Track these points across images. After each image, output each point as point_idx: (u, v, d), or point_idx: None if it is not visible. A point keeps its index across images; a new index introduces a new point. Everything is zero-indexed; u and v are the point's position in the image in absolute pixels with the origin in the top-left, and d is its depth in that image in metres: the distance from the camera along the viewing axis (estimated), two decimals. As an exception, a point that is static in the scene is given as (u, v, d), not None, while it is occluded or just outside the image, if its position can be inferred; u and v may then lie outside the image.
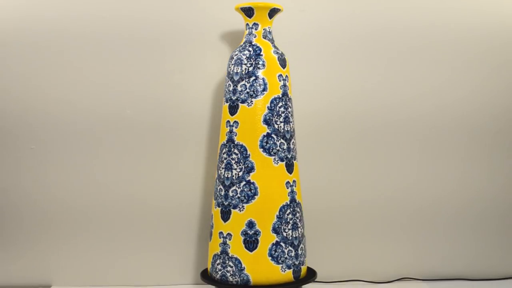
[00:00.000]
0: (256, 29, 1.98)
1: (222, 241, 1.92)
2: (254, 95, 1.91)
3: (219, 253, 1.93)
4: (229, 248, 1.90)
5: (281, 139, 1.91)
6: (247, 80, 1.92)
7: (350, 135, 2.24)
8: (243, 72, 1.93)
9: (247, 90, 1.92)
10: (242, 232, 1.88)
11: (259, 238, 1.87)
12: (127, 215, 2.15)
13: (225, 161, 1.94)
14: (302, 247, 1.95)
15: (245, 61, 1.94)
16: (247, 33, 2.00)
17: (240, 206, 1.89)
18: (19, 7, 2.09)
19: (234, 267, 1.89)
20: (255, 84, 1.91)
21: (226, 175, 1.93)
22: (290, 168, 1.93)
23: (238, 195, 1.89)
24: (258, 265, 1.87)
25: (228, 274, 1.90)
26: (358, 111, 2.24)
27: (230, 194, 1.91)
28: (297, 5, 2.19)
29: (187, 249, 2.18)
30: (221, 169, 1.95)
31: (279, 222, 1.88)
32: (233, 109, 1.94)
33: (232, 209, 1.90)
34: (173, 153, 2.16)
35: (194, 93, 2.15)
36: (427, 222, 2.27)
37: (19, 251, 2.13)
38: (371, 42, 2.23)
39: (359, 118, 2.24)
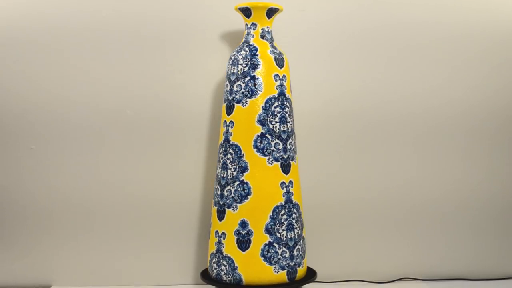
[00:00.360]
0: (254, 29, 1.98)
1: (217, 240, 1.94)
2: (249, 95, 1.91)
3: (214, 252, 1.94)
4: (223, 247, 1.91)
5: (276, 139, 1.91)
6: (242, 80, 1.92)
7: (351, 134, 2.23)
8: (239, 72, 1.94)
9: (242, 90, 1.92)
10: (235, 231, 1.89)
11: (251, 238, 1.88)
12: (127, 215, 2.16)
13: (221, 160, 1.95)
14: (299, 248, 1.93)
15: (241, 61, 1.94)
16: (246, 33, 2.00)
17: (234, 206, 1.90)
18: (19, 5, 2.09)
19: (227, 266, 1.90)
20: (250, 84, 1.91)
21: (222, 175, 1.94)
22: (286, 168, 1.92)
23: (232, 194, 1.90)
24: (250, 265, 1.87)
25: (222, 273, 1.91)
26: (358, 110, 2.23)
27: (225, 193, 1.92)
28: (297, 5, 2.18)
29: (187, 249, 2.18)
30: (218, 168, 1.96)
31: (272, 223, 1.88)
32: (229, 109, 1.94)
33: (226, 209, 1.91)
34: (174, 153, 2.16)
35: (195, 93, 2.16)
36: (427, 222, 2.26)
37: (19, 251, 2.13)
38: (371, 41, 2.23)
39: (360, 117, 2.23)
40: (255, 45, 1.95)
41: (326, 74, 2.21)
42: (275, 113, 1.91)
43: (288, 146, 1.93)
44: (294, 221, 1.93)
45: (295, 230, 1.93)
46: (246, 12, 1.98)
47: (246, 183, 1.89)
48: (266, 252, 1.87)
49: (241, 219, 1.89)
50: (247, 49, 1.95)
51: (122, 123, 2.14)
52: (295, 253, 1.92)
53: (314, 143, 2.21)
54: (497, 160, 2.27)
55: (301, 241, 1.96)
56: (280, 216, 1.89)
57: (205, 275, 2.00)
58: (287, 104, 1.95)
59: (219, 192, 1.94)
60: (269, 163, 1.89)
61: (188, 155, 2.17)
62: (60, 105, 2.11)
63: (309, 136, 2.19)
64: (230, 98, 1.94)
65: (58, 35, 2.11)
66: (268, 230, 1.88)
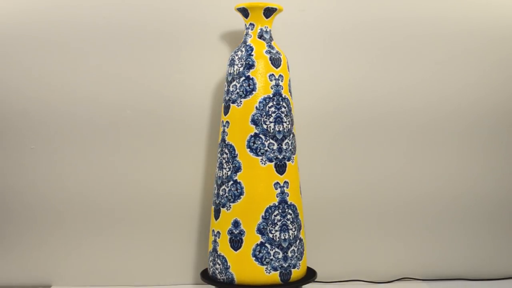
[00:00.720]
0: (252, 29, 1.98)
1: (213, 239, 1.96)
2: (243, 95, 1.92)
3: (211, 251, 1.96)
4: (218, 246, 1.93)
5: (270, 140, 1.90)
6: (237, 80, 1.93)
7: (351, 134, 2.24)
8: (235, 73, 1.94)
9: (237, 90, 1.93)
10: (228, 231, 1.90)
11: (243, 238, 1.88)
12: (127, 215, 2.16)
13: (218, 160, 1.97)
14: (294, 250, 1.92)
15: (237, 62, 1.95)
16: (245, 33, 2.00)
17: (228, 205, 1.91)
18: (19, 3, 2.08)
19: (221, 265, 1.91)
20: (244, 85, 1.92)
21: (219, 174, 1.96)
22: (280, 169, 1.91)
23: (226, 194, 1.91)
24: (242, 264, 1.88)
25: (217, 272, 1.93)
26: (359, 109, 2.23)
27: (221, 193, 1.93)
28: (297, 5, 2.17)
29: (187, 249, 2.18)
30: (216, 168, 1.98)
31: (264, 223, 1.88)
32: (226, 109, 1.96)
33: (221, 208, 1.93)
34: (174, 153, 2.16)
35: (196, 93, 2.16)
36: (427, 222, 2.25)
37: (20, 251, 2.13)
38: (371, 40, 2.23)
39: (360, 116, 2.24)
40: (251, 45, 1.95)
41: (326, 73, 2.21)
42: (270, 113, 1.91)
43: (284, 147, 1.92)
44: (289, 222, 1.91)
45: (290, 231, 1.91)
46: (244, 12, 1.98)
47: (239, 183, 1.89)
48: (257, 253, 1.87)
49: (234, 219, 1.89)
50: (243, 49, 1.96)
51: (123, 123, 2.14)
52: (290, 254, 1.91)
53: (314, 142, 2.20)
54: (498, 160, 2.25)
55: (298, 242, 1.94)
56: (273, 216, 1.89)
57: (205, 275, 2.01)
58: (284, 104, 1.94)
59: (216, 192, 1.96)
60: (262, 163, 1.89)
61: (188, 155, 2.17)
62: (60, 105, 2.12)
63: (308, 135, 2.18)
64: (227, 98, 1.96)
65: (59, 34, 2.11)
66: (260, 231, 1.88)
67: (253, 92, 1.91)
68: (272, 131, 1.90)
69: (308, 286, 2.06)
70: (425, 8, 2.22)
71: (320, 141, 2.21)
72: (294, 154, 1.96)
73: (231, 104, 1.93)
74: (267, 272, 1.87)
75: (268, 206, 1.89)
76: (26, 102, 2.10)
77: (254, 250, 1.87)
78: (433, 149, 2.25)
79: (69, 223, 2.14)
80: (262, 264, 1.87)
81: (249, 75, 1.92)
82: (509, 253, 2.28)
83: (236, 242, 1.89)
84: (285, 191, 1.91)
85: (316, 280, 2.02)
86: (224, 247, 1.90)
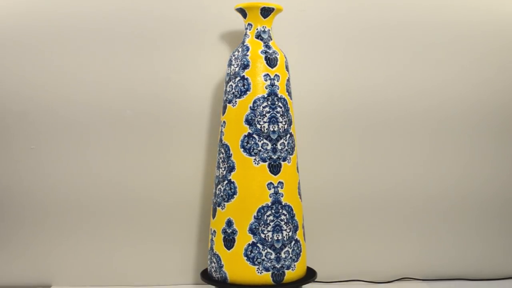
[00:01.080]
0: (250, 29, 1.99)
1: (210, 238, 1.97)
2: (238, 95, 1.92)
3: (209, 249, 1.99)
4: (214, 244, 1.95)
5: (264, 140, 1.90)
6: (233, 80, 1.94)
7: (352, 134, 2.22)
8: (231, 73, 1.95)
9: (233, 90, 1.94)
10: (222, 230, 1.92)
11: (235, 237, 1.89)
12: (127, 215, 2.16)
13: (217, 160, 1.98)
14: (288, 251, 1.91)
15: (233, 62, 1.96)
16: (244, 33, 2.01)
17: (223, 205, 1.92)
18: (18, 4, 2.09)
19: (216, 264, 1.93)
20: (239, 84, 1.92)
21: (216, 174, 1.98)
22: (275, 169, 1.90)
23: (222, 193, 1.93)
24: (234, 264, 1.89)
25: (213, 270, 1.95)
26: (359, 109, 2.22)
27: (217, 192, 1.95)
28: (297, 5, 2.16)
29: (187, 249, 2.18)
30: (215, 168, 1.99)
31: (256, 223, 1.88)
32: (223, 109, 1.97)
33: (217, 207, 1.94)
34: (174, 153, 2.16)
35: (195, 93, 2.16)
36: (427, 222, 2.25)
37: (19, 251, 2.14)
38: (371, 40, 2.22)
39: (361, 117, 2.22)
40: (248, 45, 1.96)
41: (326, 73, 2.20)
42: (264, 113, 1.91)
43: (279, 147, 1.92)
44: (282, 222, 1.90)
45: (284, 232, 1.90)
46: (242, 13, 1.99)
47: (233, 182, 1.90)
48: (249, 252, 1.88)
49: (228, 218, 1.91)
50: (240, 49, 1.96)
51: (122, 123, 2.14)
52: (283, 255, 1.90)
53: (314, 142, 2.19)
54: (499, 160, 2.24)
55: (293, 243, 1.93)
56: (265, 217, 1.88)
57: (205, 275, 2.01)
58: (279, 104, 1.93)
59: (214, 191, 1.98)
60: (255, 163, 1.90)
61: (188, 155, 2.16)
62: (60, 105, 2.12)
63: (309, 136, 2.17)
64: (224, 98, 1.97)
65: (58, 35, 2.11)
66: (252, 230, 1.88)
67: (248, 92, 1.91)
68: (266, 131, 1.90)
69: (308, 286, 2.05)
70: (427, 8, 2.20)
71: (320, 141, 2.20)
72: (291, 154, 1.95)
73: (228, 104, 1.94)
74: (258, 272, 1.88)
75: (260, 206, 1.88)
76: (26, 103, 2.11)
77: (246, 250, 1.88)
78: (432, 150, 2.24)
79: (69, 223, 2.15)
80: (254, 264, 1.88)
81: (244, 75, 1.92)
82: (509, 253, 2.27)
83: (229, 241, 1.90)
84: (279, 192, 1.91)
85: (316, 280, 2.02)
86: (218, 246, 1.92)
